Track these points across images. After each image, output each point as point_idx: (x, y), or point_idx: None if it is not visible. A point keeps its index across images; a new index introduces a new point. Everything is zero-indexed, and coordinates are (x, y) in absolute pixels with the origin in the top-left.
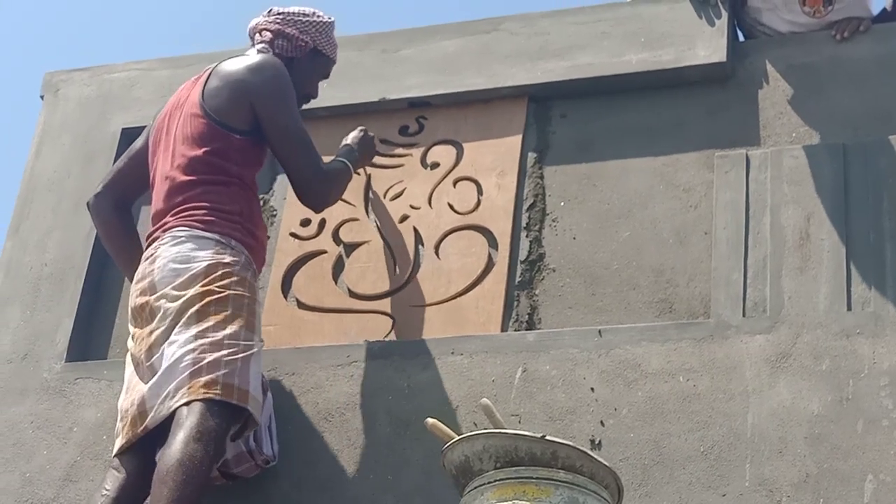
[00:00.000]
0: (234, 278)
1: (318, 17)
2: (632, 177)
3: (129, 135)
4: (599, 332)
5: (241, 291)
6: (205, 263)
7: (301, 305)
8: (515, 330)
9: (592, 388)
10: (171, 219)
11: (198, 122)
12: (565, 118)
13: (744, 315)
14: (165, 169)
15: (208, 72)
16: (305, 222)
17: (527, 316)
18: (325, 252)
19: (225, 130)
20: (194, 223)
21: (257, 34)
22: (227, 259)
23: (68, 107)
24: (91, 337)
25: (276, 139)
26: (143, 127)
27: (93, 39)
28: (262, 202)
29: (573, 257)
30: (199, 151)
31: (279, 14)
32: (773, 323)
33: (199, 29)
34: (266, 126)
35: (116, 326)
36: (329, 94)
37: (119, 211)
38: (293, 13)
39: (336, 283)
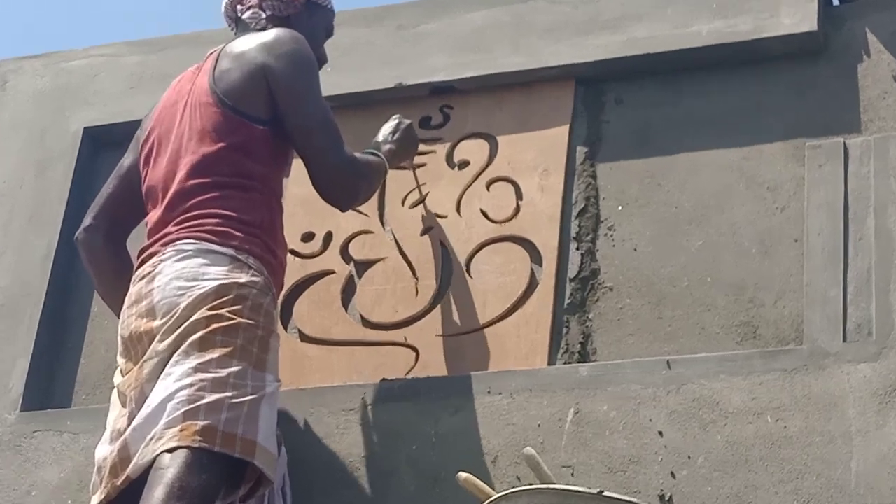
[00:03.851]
0: (249, 303)
1: None
2: (704, 173)
3: (92, 135)
4: (668, 363)
5: (255, 321)
6: (216, 282)
7: (304, 337)
8: (565, 363)
9: (660, 433)
10: (174, 229)
11: (210, 111)
12: (621, 104)
13: (844, 340)
14: (168, 173)
15: (215, 55)
16: (308, 236)
17: (579, 345)
18: (332, 272)
19: (244, 119)
20: (205, 234)
21: (238, 5)
22: (244, 279)
23: (19, 102)
24: (51, 380)
25: (297, 124)
26: (110, 125)
27: (46, 23)
28: None
29: (634, 273)
30: (215, 147)
31: None
32: (881, 349)
33: (172, 7)
34: (285, 110)
35: (82, 367)
36: (334, 79)
37: (114, 246)
38: None
39: (346, 309)
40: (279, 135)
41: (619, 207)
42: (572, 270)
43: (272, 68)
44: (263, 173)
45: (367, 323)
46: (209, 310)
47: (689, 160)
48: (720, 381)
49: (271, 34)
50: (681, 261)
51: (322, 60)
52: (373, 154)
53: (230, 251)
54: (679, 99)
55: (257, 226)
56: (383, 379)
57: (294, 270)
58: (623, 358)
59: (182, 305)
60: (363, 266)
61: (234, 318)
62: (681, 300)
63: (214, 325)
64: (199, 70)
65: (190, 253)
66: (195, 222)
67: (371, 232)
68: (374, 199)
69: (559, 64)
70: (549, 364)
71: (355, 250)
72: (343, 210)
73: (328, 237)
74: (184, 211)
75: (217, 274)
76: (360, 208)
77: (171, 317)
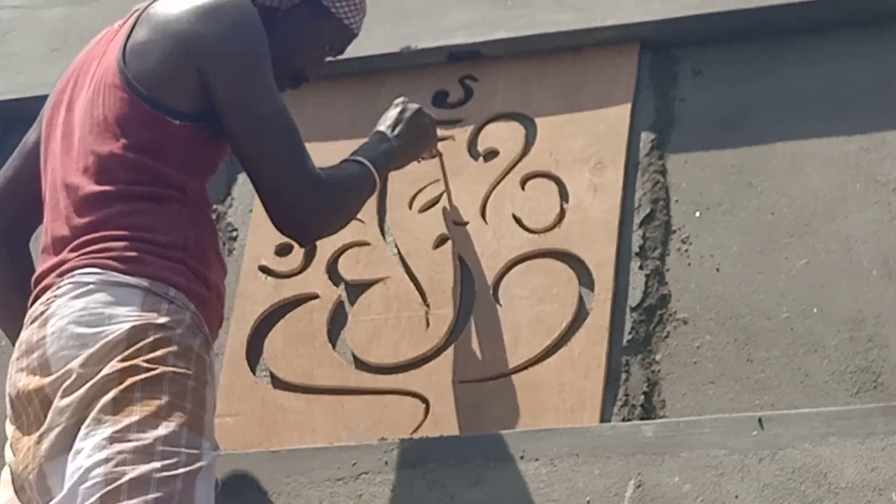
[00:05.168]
0: (173, 348)
1: None
2: (809, 170)
3: (1, 111)
4: (760, 421)
5: (184, 369)
6: (127, 325)
7: (278, 383)
8: (624, 419)
9: None
10: (72, 255)
11: (115, 97)
12: (701, 75)
13: None
14: (64, 170)
15: (136, 16)
16: (283, 249)
17: (642, 396)
18: (315, 297)
19: (158, 112)
20: (110, 262)
21: None
22: (162, 319)
23: None
24: None
25: (240, 127)
26: (24, 100)
27: None
28: (214, 218)
29: (716, 301)
30: (117, 145)
31: None
32: None
33: None
34: (225, 106)
35: None
36: None
37: (13, 245)
38: None
39: (334, 346)
40: (206, 133)
41: (697, 214)
42: (634, 297)
43: (206, 47)
44: (182, 181)
45: (361, 364)
46: (122, 360)
47: (790, 152)
48: (829, 446)
49: None
50: (778, 285)
51: (305, 76)
52: (354, 162)
53: (144, 282)
54: (777, 70)
55: (179, 248)
56: (382, 438)
57: (265, 294)
58: (701, 413)
59: (82, 358)
60: (357, 289)
61: (155, 368)
62: (777, 338)
63: (130, 380)
64: (118, 31)
65: (91, 287)
66: (98, 246)
67: (367, 244)
68: (372, 200)
69: (619, 23)
70: (603, 421)
71: (346, 268)
72: (304, 244)
73: (311, 250)
74: (84, 229)
75: (128, 314)
76: None
77: (70, 374)
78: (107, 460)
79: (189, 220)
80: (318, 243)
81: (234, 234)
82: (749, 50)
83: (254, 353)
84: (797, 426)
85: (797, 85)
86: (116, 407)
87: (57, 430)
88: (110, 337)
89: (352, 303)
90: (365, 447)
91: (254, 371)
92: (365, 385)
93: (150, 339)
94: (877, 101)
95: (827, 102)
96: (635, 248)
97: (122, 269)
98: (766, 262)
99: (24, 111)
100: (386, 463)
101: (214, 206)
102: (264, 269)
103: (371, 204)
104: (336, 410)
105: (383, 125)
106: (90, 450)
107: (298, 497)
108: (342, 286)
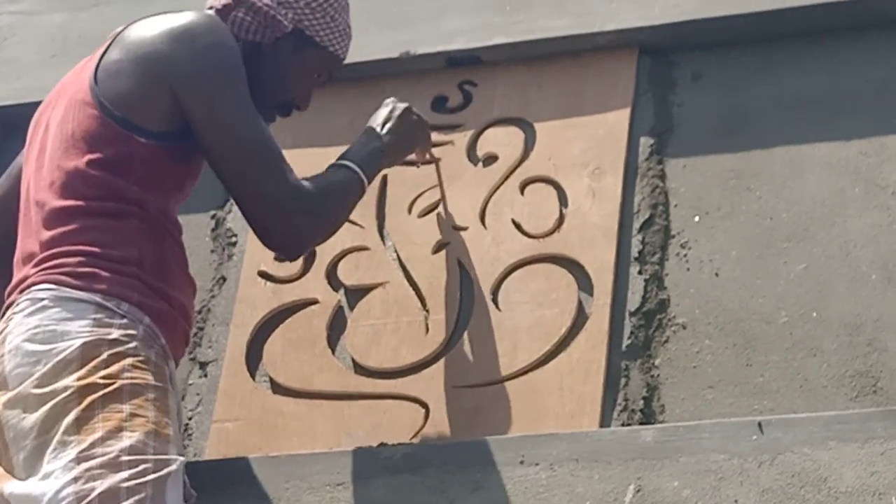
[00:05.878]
0: (129, 360)
1: None
2: (808, 174)
3: (0, 116)
4: (759, 425)
5: (142, 379)
6: (79, 341)
7: (277, 388)
8: (623, 424)
9: None
10: (32, 271)
11: (85, 113)
12: (700, 80)
13: None
14: (35, 189)
15: (114, 36)
16: None
17: (641, 401)
18: (315, 302)
19: (125, 130)
20: (63, 277)
21: None
22: (115, 335)
23: None
24: None
25: (216, 146)
26: (23, 105)
27: None
28: (214, 224)
29: (715, 305)
30: (81, 161)
31: None
32: None
33: None
34: (200, 127)
35: None
36: None
37: (5, 265)
38: None
39: (334, 351)
40: (174, 154)
41: (696, 218)
42: (633, 302)
43: (179, 68)
44: (142, 198)
45: (360, 369)
46: (78, 379)
47: (789, 156)
48: (828, 450)
49: (183, 19)
50: (777, 290)
51: (294, 105)
52: (341, 167)
53: (96, 297)
54: (776, 75)
55: (133, 263)
56: (382, 443)
57: (264, 300)
58: (700, 418)
59: (35, 377)
60: (356, 294)
61: (113, 382)
62: (777, 342)
63: (90, 398)
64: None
65: (45, 303)
66: (55, 262)
67: (367, 249)
68: (371, 205)
69: (618, 28)
70: (602, 426)
71: (346, 273)
72: (291, 258)
73: (310, 255)
74: (46, 245)
75: (79, 330)
76: (353, 217)
77: (25, 395)
78: (76, 479)
79: (148, 236)
80: (318, 248)
81: (234, 239)
82: (748, 55)
83: (253, 358)
84: (796, 431)
85: (796, 89)
86: (79, 426)
87: (23, 453)
88: (62, 354)
89: (351, 308)
90: (365, 452)
91: (253, 376)
92: (365, 390)
93: (104, 355)
94: (875, 105)
95: (825, 107)
96: (634, 253)
97: (75, 284)
98: (765, 266)
99: (24, 117)
100: (386, 468)
101: (214, 213)
102: (264, 275)
103: (370, 209)
104: (336, 415)
105: (373, 123)
106: (59, 471)
107: (298, 502)
108: (342, 291)
